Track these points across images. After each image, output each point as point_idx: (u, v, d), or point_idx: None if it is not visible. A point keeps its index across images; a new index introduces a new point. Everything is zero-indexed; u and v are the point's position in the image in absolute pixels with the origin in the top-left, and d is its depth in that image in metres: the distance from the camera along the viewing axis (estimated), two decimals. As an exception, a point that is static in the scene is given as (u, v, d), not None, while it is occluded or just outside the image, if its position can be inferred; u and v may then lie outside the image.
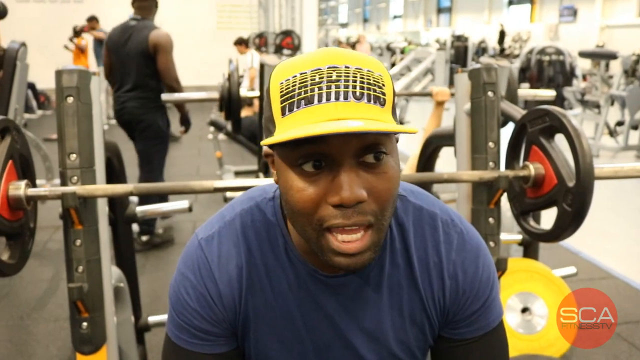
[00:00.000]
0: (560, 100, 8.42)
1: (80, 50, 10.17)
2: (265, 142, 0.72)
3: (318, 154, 0.73)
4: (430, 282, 0.91)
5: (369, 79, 0.73)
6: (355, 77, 0.72)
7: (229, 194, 2.11)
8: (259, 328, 0.92)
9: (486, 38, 18.17)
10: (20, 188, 1.34)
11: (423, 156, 2.59)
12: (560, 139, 1.51)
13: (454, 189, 1.95)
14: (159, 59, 3.79)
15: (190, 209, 2.01)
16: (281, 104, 0.74)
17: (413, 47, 16.15)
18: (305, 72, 0.73)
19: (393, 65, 13.40)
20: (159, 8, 4.09)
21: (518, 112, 1.84)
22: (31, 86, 9.76)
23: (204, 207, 4.71)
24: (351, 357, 0.93)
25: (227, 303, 0.89)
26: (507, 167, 1.66)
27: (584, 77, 9.04)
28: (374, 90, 0.73)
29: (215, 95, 3.02)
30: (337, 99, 0.71)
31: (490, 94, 1.65)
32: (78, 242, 1.46)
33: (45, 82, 10.29)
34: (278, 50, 7.19)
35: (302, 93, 0.72)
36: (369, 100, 0.72)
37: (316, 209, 0.75)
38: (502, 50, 19.58)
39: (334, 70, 0.73)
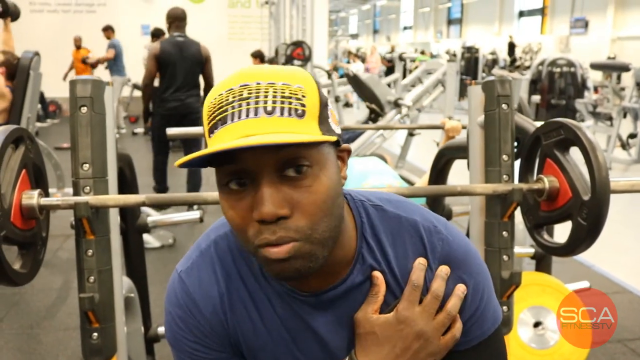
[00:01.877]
0: (571, 113, 8.40)
1: (90, 65, 10.28)
2: (177, 163, 0.73)
3: (238, 172, 0.73)
4: None
5: (283, 92, 0.73)
6: (267, 92, 0.72)
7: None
8: (252, 350, 0.91)
9: (497, 49, 18.16)
10: (33, 197, 1.34)
11: (435, 169, 2.58)
12: (575, 152, 1.49)
13: (467, 201, 1.93)
14: (207, 66, 5.03)
15: (201, 220, 2.01)
16: (207, 125, 0.75)
17: (426, 57, 15.94)
18: (222, 94, 0.74)
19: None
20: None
21: (532, 125, 1.83)
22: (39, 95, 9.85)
23: (213, 216, 4.71)
24: None
25: (218, 330, 0.90)
26: (521, 180, 1.65)
27: (596, 89, 9.00)
28: (289, 103, 0.73)
29: None
30: (247, 115, 0.71)
31: (504, 106, 1.64)
32: (90, 252, 1.45)
33: (57, 91, 10.39)
34: (289, 61, 7.19)
35: (219, 115, 0.73)
36: (282, 114, 0.72)
37: (246, 226, 0.75)
38: (513, 61, 19.54)
39: (245, 88, 0.73)
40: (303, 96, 0.74)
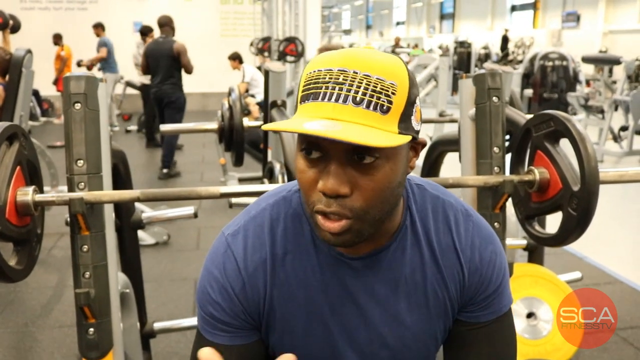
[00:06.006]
0: (563, 106, 8.42)
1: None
2: (265, 127, 0.81)
3: (315, 145, 0.80)
4: (450, 264, 0.95)
5: (375, 86, 0.77)
6: (361, 82, 0.77)
7: (234, 199, 2.11)
8: (284, 318, 0.94)
9: (489, 44, 18.16)
10: (28, 194, 1.35)
11: (428, 161, 2.60)
12: (565, 144, 1.51)
13: (459, 194, 1.94)
14: (181, 58, 6.35)
15: (195, 215, 2.02)
16: (301, 92, 0.81)
17: (419, 52, 15.89)
18: (321, 70, 0.79)
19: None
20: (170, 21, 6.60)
21: (523, 117, 1.85)
22: (35, 93, 9.77)
23: (207, 213, 4.72)
24: (375, 340, 0.96)
25: (252, 295, 0.93)
26: (512, 171, 1.66)
27: (588, 83, 9.02)
28: (377, 98, 0.76)
29: (214, 125, 2.98)
30: (337, 100, 0.76)
31: (494, 99, 1.65)
32: (85, 247, 1.46)
33: (50, 89, 10.34)
34: (282, 56, 7.18)
35: (314, 88, 0.79)
36: (368, 107, 0.76)
37: (311, 190, 0.82)
38: (505, 55, 19.55)
39: (342, 73, 0.78)
40: (392, 93, 0.78)
